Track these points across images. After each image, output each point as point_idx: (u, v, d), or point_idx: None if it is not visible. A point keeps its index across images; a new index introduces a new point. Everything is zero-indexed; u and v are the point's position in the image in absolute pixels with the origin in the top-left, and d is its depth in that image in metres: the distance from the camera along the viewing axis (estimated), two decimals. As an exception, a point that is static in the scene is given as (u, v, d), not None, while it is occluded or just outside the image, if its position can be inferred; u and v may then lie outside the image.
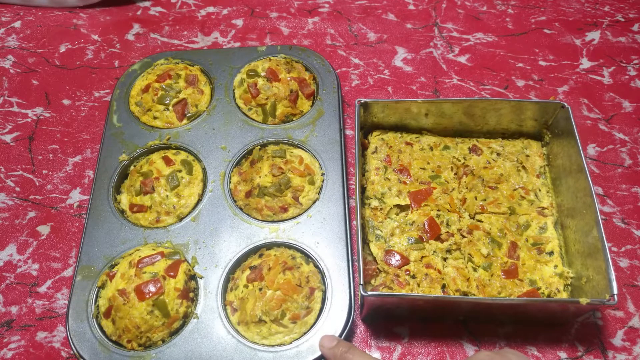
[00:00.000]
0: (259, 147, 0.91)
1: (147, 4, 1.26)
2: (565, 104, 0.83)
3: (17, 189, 0.97)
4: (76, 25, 1.23)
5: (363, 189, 0.86)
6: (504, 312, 0.74)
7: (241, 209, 0.86)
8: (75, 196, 0.96)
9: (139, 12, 1.25)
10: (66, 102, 1.09)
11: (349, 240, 0.81)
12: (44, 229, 0.93)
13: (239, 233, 0.83)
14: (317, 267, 0.79)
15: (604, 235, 0.71)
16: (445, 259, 0.79)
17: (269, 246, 0.82)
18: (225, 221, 0.84)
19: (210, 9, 1.25)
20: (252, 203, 0.85)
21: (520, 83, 1.08)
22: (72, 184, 0.98)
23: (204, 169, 0.90)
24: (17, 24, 1.24)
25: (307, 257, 0.80)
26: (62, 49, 1.19)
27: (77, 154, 1.02)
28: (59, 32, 1.22)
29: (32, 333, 0.82)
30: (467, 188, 0.86)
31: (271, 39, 1.18)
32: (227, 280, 0.79)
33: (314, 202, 0.86)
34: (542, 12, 1.21)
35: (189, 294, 0.77)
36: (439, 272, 0.77)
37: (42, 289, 0.86)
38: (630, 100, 1.05)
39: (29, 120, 1.07)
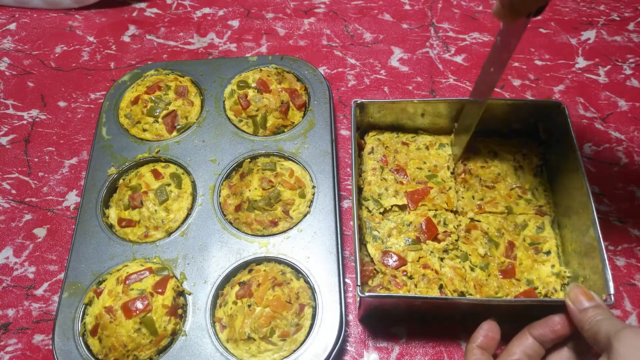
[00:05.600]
0: (249, 159, 0.90)
1: (142, 5, 1.26)
2: (562, 103, 0.83)
3: (13, 191, 0.97)
4: (72, 27, 1.23)
5: (360, 190, 0.86)
6: (501, 311, 0.74)
7: (230, 223, 0.85)
8: (72, 198, 0.96)
9: (134, 14, 1.25)
10: (62, 104, 1.09)
11: (340, 255, 0.80)
12: (40, 232, 0.92)
13: (228, 248, 0.82)
14: (307, 282, 0.78)
15: (600, 234, 0.71)
16: (442, 259, 0.79)
17: (258, 261, 0.81)
18: (214, 236, 0.83)
19: (206, 10, 1.25)
20: (242, 217, 0.84)
21: (517, 82, 1.08)
22: (68, 186, 0.97)
23: (193, 182, 0.89)
24: (12, 26, 1.23)
25: (298, 272, 0.79)
26: (58, 50, 1.18)
27: (73, 156, 1.01)
28: (55, 34, 1.21)
29: (29, 336, 0.82)
30: (464, 187, 0.86)
31: (267, 39, 1.18)
32: (216, 296, 0.78)
33: (305, 215, 0.84)
34: (537, 12, 1.21)
35: (178, 310, 0.76)
36: (436, 272, 0.77)
37: (39, 292, 0.86)
38: (625, 99, 1.05)
39: (24, 122, 1.07)
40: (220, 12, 1.24)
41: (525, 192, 0.85)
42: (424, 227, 0.81)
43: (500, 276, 0.77)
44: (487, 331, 0.68)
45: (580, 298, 0.63)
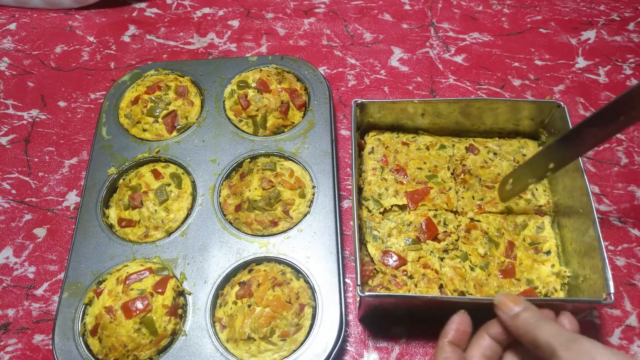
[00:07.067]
0: (249, 159, 0.90)
1: (142, 5, 1.26)
2: (562, 103, 0.83)
3: (13, 191, 0.97)
4: (71, 27, 1.23)
5: (360, 190, 0.86)
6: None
7: (230, 223, 0.85)
8: (72, 198, 0.96)
9: (134, 14, 1.25)
10: (62, 104, 1.09)
11: (340, 255, 0.80)
12: (40, 232, 0.92)
13: (228, 248, 0.82)
14: (307, 282, 0.78)
15: (600, 234, 0.71)
16: (442, 259, 0.79)
17: (258, 261, 0.81)
18: (214, 236, 0.83)
19: (206, 10, 1.25)
20: (242, 217, 0.84)
21: (517, 82, 1.08)
22: (68, 186, 0.97)
23: (193, 182, 0.89)
24: (12, 26, 1.23)
25: (298, 272, 0.79)
26: (58, 50, 1.18)
27: (73, 155, 1.01)
28: (55, 34, 1.21)
29: (29, 336, 0.82)
30: (464, 187, 0.86)
31: (267, 39, 1.18)
32: (216, 296, 0.78)
33: (305, 215, 0.84)
34: (537, 12, 1.21)
35: (178, 310, 0.76)
36: (436, 272, 0.77)
37: (39, 292, 0.86)
38: (626, 99, 1.05)
39: (24, 122, 1.07)
40: (220, 12, 1.24)
41: (525, 192, 0.85)
42: (424, 227, 0.81)
43: (501, 276, 0.77)
44: (458, 325, 0.66)
45: (508, 304, 0.62)
